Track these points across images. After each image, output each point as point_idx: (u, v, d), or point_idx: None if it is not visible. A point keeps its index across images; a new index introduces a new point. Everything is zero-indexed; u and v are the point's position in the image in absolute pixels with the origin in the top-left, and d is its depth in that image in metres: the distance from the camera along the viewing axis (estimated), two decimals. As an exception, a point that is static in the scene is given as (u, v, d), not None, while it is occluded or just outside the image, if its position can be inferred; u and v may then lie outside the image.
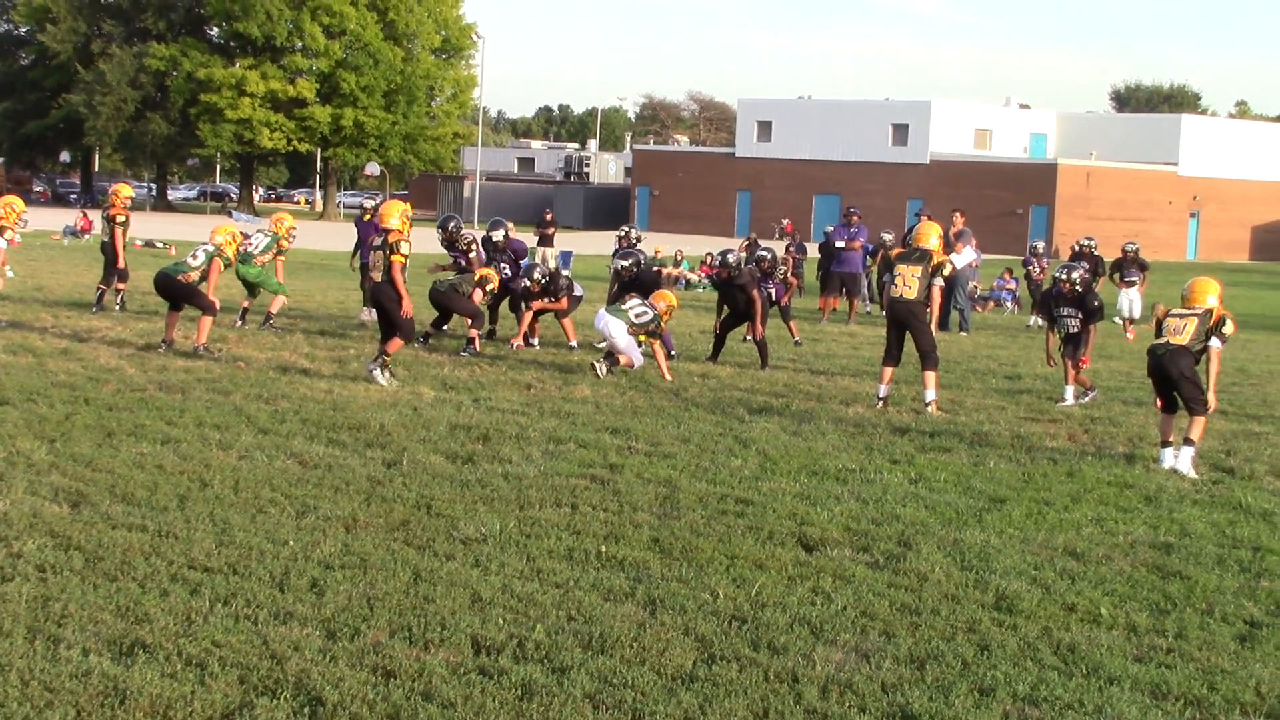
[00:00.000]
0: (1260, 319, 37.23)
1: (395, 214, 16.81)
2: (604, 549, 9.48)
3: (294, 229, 22.32)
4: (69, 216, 57.74)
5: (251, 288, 21.38)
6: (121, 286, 23.26)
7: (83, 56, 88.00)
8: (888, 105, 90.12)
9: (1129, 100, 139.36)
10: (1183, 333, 13.50)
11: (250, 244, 21.43)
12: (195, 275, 18.76)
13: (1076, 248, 29.23)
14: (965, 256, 26.89)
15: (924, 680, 7.33)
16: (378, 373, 15.96)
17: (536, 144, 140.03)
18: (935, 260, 16.26)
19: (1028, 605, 8.67)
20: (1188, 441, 13.26)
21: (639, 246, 22.17)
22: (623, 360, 17.89)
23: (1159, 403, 13.78)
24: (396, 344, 16.25)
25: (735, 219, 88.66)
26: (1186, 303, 13.74)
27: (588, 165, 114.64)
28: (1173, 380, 13.46)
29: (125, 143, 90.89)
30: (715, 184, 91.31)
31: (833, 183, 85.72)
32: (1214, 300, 13.68)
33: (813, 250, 37.28)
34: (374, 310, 23.82)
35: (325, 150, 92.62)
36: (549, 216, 45.24)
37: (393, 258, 16.33)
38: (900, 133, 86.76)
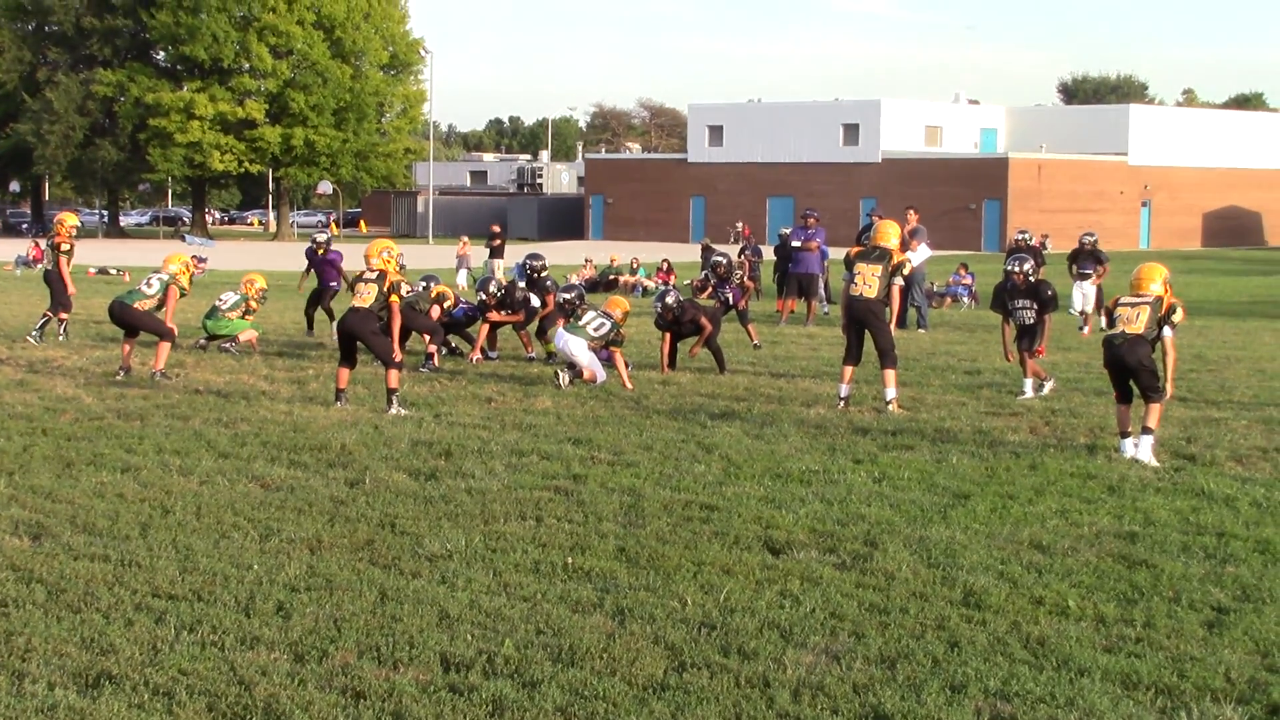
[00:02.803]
0: (1216, 305, 37.46)
1: (378, 253, 16.31)
2: (570, 561, 9.45)
3: (264, 290, 22.43)
4: (20, 246, 57.37)
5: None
6: (64, 316, 23.10)
7: (29, 85, 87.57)
8: (837, 105, 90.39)
9: (1077, 92, 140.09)
10: (1136, 322, 13.49)
11: (220, 301, 21.89)
12: (150, 304, 18.66)
13: (1013, 243, 28.92)
14: (921, 254, 26.95)
15: (895, 680, 7.33)
16: (395, 411, 15.49)
17: (488, 157, 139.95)
18: (895, 259, 16.29)
19: (996, 600, 8.68)
20: (1146, 430, 13.30)
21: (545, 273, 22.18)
22: (585, 375, 17.86)
23: (1116, 394, 13.81)
24: (395, 376, 15.78)
25: (690, 224, 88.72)
26: (1135, 289, 13.76)
27: (540, 176, 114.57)
28: (1130, 369, 13.48)
29: (75, 170, 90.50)
30: (669, 190, 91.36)
31: (786, 184, 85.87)
32: (1160, 285, 13.70)
33: (769, 253, 37.37)
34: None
35: (277, 171, 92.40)
36: (496, 229, 45.80)
37: (392, 299, 15.91)
38: (851, 132, 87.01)
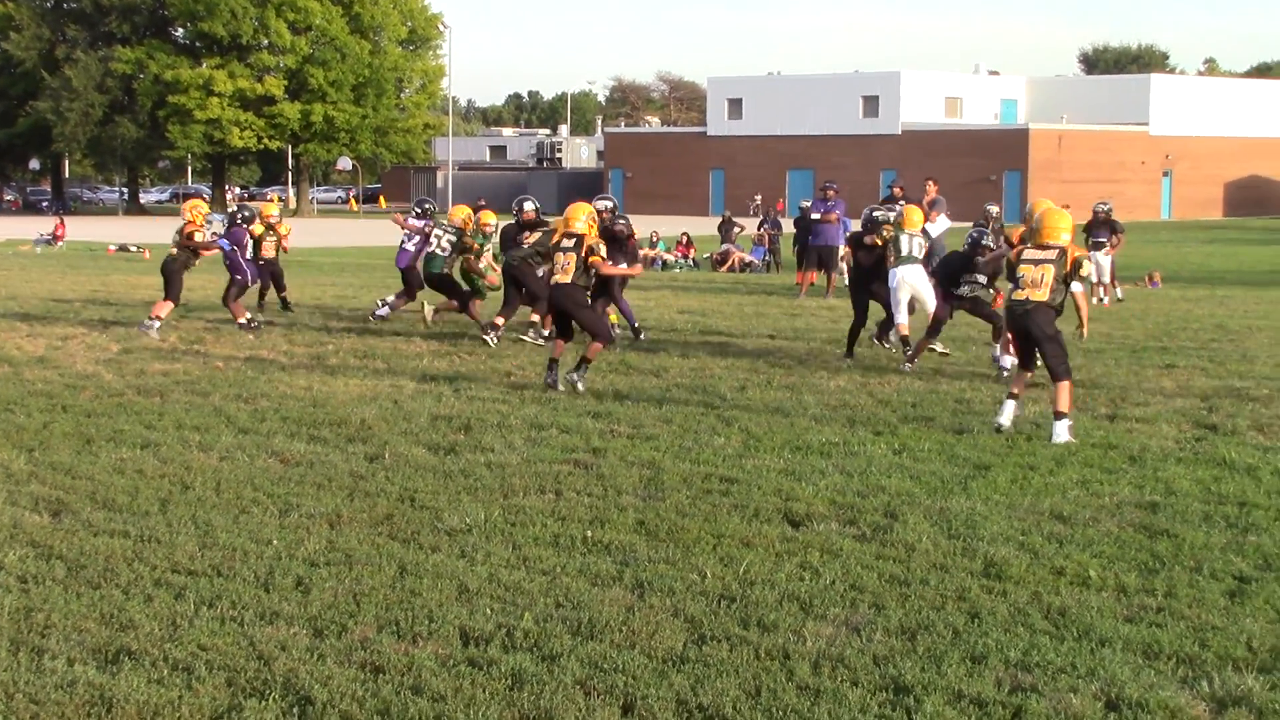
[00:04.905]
0: (1237, 275, 37.32)
1: (582, 216, 15.87)
2: (590, 534, 9.45)
3: (470, 221, 20.94)
4: (41, 225, 57.47)
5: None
6: (284, 294, 23.56)
7: (48, 63, 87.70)
8: (857, 78, 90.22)
9: (1097, 62, 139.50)
10: (1042, 285, 12.89)
11: (433, 247, 20.51)
12: (455, 262, 20.08)
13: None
14: (941, 225, 26.82)
15: (915, 651, 7.31)
16: (578, 376, 15.19)
17: (508, 131, 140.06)
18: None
19: (1016, 571, 8.65)
20: (1059, 415, 12.77)
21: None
22: (900, 331, 17.69)
23: (1019, 360, 13.42)
24: (597, 348, 15.49)
25: (710, 198, 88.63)
26: (1039, 238, 13.16)
27: (560, 151, 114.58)
28: (1035, 340, 13.02)
29: (94, 148, 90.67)
30: (688, 164, 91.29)
31: (805, 157, 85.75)
32: (1067, 235, 13.10)
33: (789, 226, 37.28)
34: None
35: (296, 147, 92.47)
36: (481, 202, 46.15)
37: (593, 259, 15.59)
38: (871, 104, 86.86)
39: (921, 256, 18.09)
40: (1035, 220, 13.59)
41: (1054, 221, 13.19)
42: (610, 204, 20.03)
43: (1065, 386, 12.81)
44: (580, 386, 15.08)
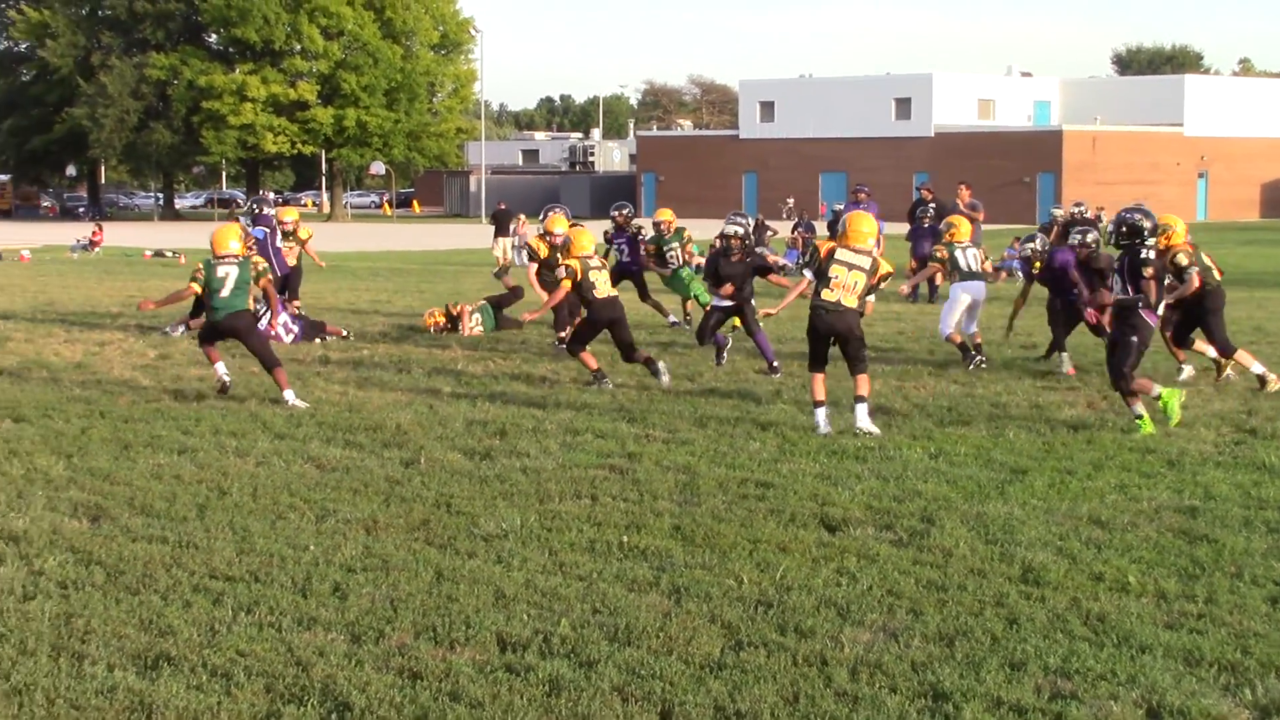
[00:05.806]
0: (1274, 277, 37.05)
1: (590, 245, 16.67)
2: (626, 539, 9.44)
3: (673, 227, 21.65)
4: (79, 231, 57.73)
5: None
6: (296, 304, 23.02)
7: (83, 70, 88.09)
8: (889, 79, 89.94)
9: (1131, 63, 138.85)
10: (852, 291, 13.19)
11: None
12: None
13: (1069, 215, 29.20)
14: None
15: (954, 657, 7.28)
16: (666, 378, 16.01)
17: (540, 135, 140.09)
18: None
19: (1055, 576, 8.61)
20: (859, 399, 13.23)
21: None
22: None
23: (812, 361, 13.47)
24: (643, 354, 16.44)
25: (742, 201, 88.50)
26: (849, 241, 13.37)
27: (592, 154, 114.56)
28: (841, 337, 13.30)
29: (130, 154, 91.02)
30: (720, 167, 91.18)
31: (838, 160, 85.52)
32: (873, 240, 13.52)
33: (822, 229, 37.18)
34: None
35: (329, 152, 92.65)
36: (503, 206, 46.15)
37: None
38: (903, 106, 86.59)
39: (980, 268, 17.92)
40: (842, 223, 13.79)
41: (859, 225, 13.52)
42: (741, 229, 18.10)
43: (866, 378, 13.37)
44: (666, 380, 15.95)
